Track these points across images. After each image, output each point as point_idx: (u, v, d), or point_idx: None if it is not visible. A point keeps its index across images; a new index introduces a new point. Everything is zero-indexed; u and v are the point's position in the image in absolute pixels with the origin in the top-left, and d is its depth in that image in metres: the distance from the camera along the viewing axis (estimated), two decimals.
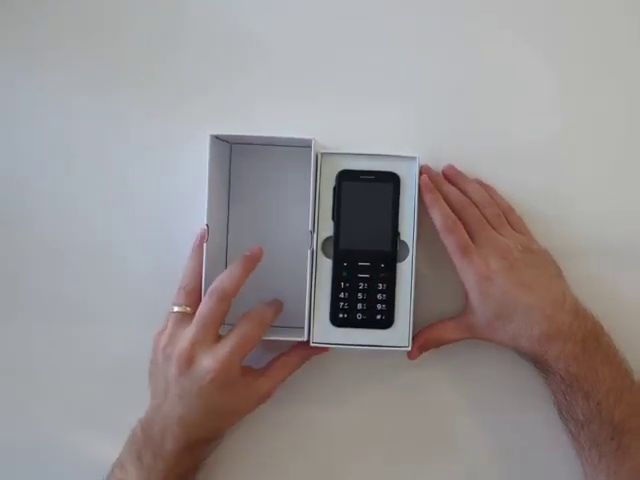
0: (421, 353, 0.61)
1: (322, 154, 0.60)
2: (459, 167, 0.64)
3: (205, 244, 0.60)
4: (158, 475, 0.56)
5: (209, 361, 0.55)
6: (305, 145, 0.60)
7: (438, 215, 0.59)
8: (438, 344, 0.62)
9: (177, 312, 0.58)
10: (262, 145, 0.66)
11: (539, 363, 0.59)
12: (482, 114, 0.66)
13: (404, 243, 0.60)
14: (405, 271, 0.60)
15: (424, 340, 0.61)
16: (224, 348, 0.55)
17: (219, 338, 0.57)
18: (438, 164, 0.63)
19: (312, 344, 0.60)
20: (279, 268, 0.66)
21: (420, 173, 0.60)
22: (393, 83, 0.66)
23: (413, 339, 0.60)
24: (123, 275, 0.67)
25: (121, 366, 0.66)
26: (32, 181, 0.68)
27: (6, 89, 0.68)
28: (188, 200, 0.66)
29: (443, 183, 0.62)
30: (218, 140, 0.62)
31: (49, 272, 0.67)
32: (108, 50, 0.67)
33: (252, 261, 0.59)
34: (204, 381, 0.55)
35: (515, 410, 0.65)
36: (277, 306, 0.61)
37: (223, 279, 0.57)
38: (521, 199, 0.63)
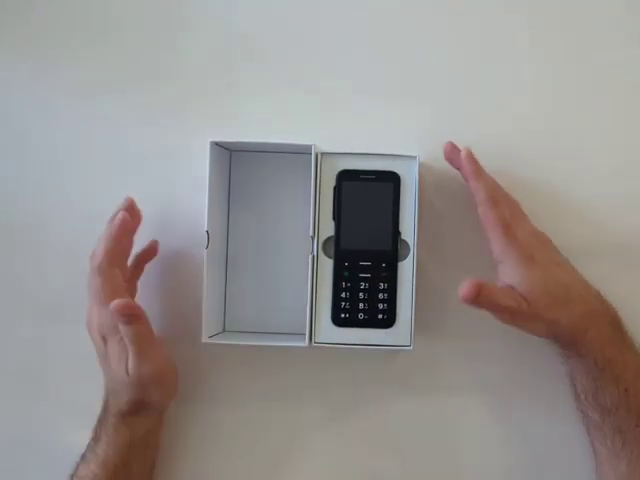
0: (475, 294, 0.53)
1: (322, 154, 0.60)
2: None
3: (206, 250, 0.60)
4: (102, 447, 0.59)
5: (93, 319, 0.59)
6: (305, 151, 0.60)
7: (482, 187, 0.57)
8: (488, 299, 0.54)
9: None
10: (262, 152, 0.66)
11: (574, 346, 0.57)
12: (482, 114, 0.66)
13: (405, 242, 0.60)
14: (406, 270, 0.60)
15: (479, 288, 0.53)
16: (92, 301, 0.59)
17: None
18: (438, 164, 0.63)
19: (314, 344, 0.60)
20: (280, 273, 0.66)
21: (445, 150, 0.59)
22: (393, 83, 0.66)
23: (470, 282, 0.53)
24: None
25: None
26: (32, 186, 0.68)
27: (4, 94, 0.68)
28: (188, 207, 0.66)
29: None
30: (218, 147, 0.62)
31: (49, 275, 0.67)
32: (107, 57, 0.68)
33: (117, 227, 0.59)
34: (96, 337, 0.59)
35: (524, 405, 0.64)
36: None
37: (93, 253, 0.59)
38: (521, 198, 0.63)
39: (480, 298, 0.53)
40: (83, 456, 0.60)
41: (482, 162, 0.64)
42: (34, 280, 0.67)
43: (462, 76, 0.66)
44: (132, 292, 0.63)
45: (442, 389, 0.65)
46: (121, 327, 0.56)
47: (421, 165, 0.61)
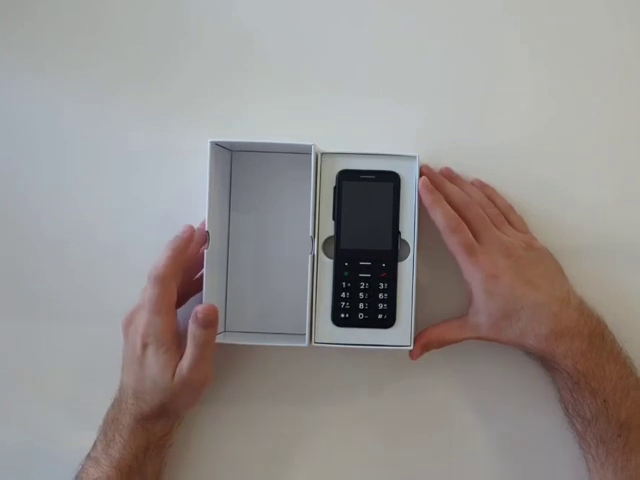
0: (423, 353, 0.61)
1: (322, 154, 0.60)
2: (459, 166, 0.64)
3: (206, 250, 0.60)
4: (119, 448, 0.58)
5: (140, 326, 0.58)
6: (305, 151, 0.60)
7: (440, 215, 0.58)
8: (441, 345, 0.61)
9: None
10: (262, 152, 0.66)
11: (546, 361, 0.59)
12: (482, 113, 0.66)
13: (405, 242, 0.60)
14: (406, 270, 0.60)
15: (427, 340, 0.61)
16: (145, 314, 0.57)
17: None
18: (438, 164, 0.63)
19: (314, 344, 0.60)
20: (280, 273, 0.66)
21: (420, 174, 0.60)
22: (393, 83, 0.66)
23: (415, 339, 0.60)
24: (124, 279, 0.67)
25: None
26: (33, 186, 0.68)
27: (5, 94, 0.68)
28: (189, 207, 0.66)
29: (444, 182, 0.61)
30: (218, 147, 0.62)
31: (50, 275, 0.67)
32: (108, 57, 0.68)
33: (182, 241, 0.59)
34: (138, 345, 0.57)
35: (518, 409, 0.65)
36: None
37: (155, 264, 0.58)
38: (522, 198, 0.63)
39: (430, 348, 0.61)
40: (94, 458, 0.59)
41: (482, 161, 0.65)
42: (34, 280, 0.67)
43: (462, 76, 0.66)
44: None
45: (442, 389, 0.65)
46: (195, 330, 0.56)
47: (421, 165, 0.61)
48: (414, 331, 0.60)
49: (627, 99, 0.66)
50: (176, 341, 0.57)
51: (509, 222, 0.62)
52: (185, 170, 0.66)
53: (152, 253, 0.66)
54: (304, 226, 0.60)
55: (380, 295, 0.60)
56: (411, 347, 0.60)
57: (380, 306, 0.60)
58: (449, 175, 0.63)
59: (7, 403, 0.67)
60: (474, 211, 0.59)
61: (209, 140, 0.60)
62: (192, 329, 0.56)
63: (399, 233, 0.60)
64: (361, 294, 0.60)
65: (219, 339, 0.62)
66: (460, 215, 0.59)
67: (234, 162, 0.66)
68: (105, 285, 0.67)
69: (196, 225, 0.60)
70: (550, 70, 0.66)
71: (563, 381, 0.58)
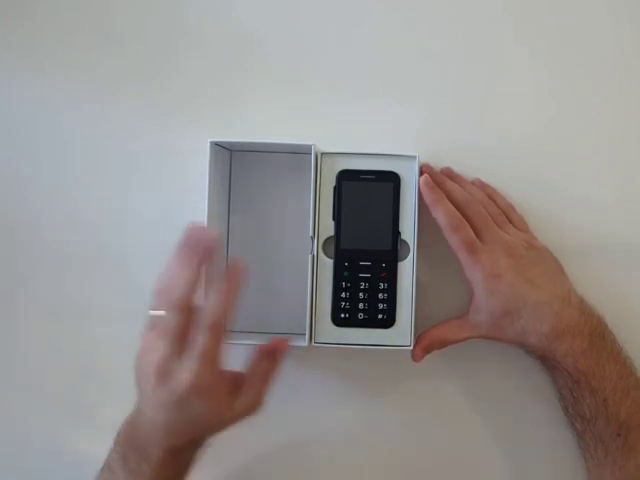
0: (425, 354, 0.61)
1: (322, 154, 0.60)
2: (459, 166, 0.64)
3: None
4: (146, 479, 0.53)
5: (184, 375, 0.51)
6: (305, 151, 0.60)
7: (442, 213, 0.58)
8: (443, 345, 0.61)
9: (153, 316, 0.54)
10: (262, 152, 0.66)
11: (547, 360, 0.59)
12: (482, 113, 0.66)
13: (405, 242, 0.60)
14: (406, 270, 0.60)
15: (428, 341, 0.61)
16: (192, 363, 0.51)
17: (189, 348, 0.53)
18: (438, 164, 0.63)
19: (314, 344, 0.60)
20: (280, 273, 0.66)
21: (420, 172, 0.60)
22: (393, 83, 0.66)
23: (417, 340, 0.60)
24: (123, 279, 0.67)
25: (121, 365, 0.66)
26: (33, 186, 0.68)
27: (4, 94, 0.68)
28: (188, 207, 0.66)
29: (446, 181, 0.61)
30: (218, 147, 0.62)
31: (50, 276, 0.67)
32: (108, 57, 0.68)
33: (186, 248, 0.54)
34: (182, 393, 0.51)
35: (518, 409, 0.65)
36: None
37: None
38: (522, 198, 0.63)
39: (433, 349, 0.61)
40: None
41: (482, 161, 0.65)
42: (34, 280, 0.67)
43: (462, 76, 0.66)
44: None
45: (442, 389, 0.65)
46: (265, 365, 0.55)
47: (421, 165, 0.62)
48: (414, 331, 0.60)
49: (627, 99, 0.66)
50: (226, 387, 0.54)
51: (510, 221, 0.62)
52: (185, 170, 0.66)
53: (151, 253, 0.66)
54: (304, 226, 0.60)
55: (380, 295, 0.60)
56: (411, 347, 0.60)
57: (380, 306, 0.59)
58: (449, 175, 0.63)
59: (7, 403, 0.67)
60: (475, 210, 0.59)
61: (209, 140, 0.60)
62: (265, 366, 0.56)
63: (399, 233, 0.60)
64: (361, 294, 0.60)
65: None
66: (461, 213, 0.59)
67: (234, 162, 0.66)
68: (105, 285, 0.67)
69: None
70: (550, 70, 0.66)
71: (563, 380, 0.58)
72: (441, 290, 0.64)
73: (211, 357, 0.52)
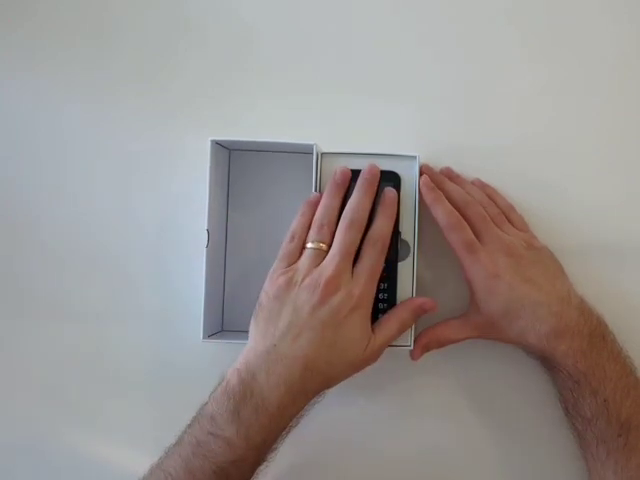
0: (424, 353, 0.61)
1: (322, 154, 0.60)
2: (459, 166, 0.64)
3: (206, 249, 0.60)
4: (260, 430, 0.52)
5: (354, 288, 0.54)
6: (306, 151, 0.60)
7: (441, 213, 0.58)
8: (441, 344, 0.61)
9: (313, 248, 0.56)
10: (260, 151, 0.66)
11: (546, 360, 0.59)
12: (482, 113, 0.66)
13: (405, 242, 0.60)
14: (406, 270, 0.60)
15: (427, 340, 0.61)
16: (361, 278, 0.55)
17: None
18: (438, 164, 0.64)
19: None
20: None
21: (420, 173, 0.60)
22: (393, 83, 0.66)
23: (416, 339, 0.60)
24: (124, 278, 0.67)
25: (119, 364, 0.66)
26: (33, 186, 0.68)
27: (4, 94, 0.68)
28: (188, 207, 0.66)
29: (445, 181, 0.61)
30: (218, 146, 0.62)
31: (51, 275, 0.67)
32: (108, 57, 0.68)
33: (370, 183, 0.57)
34: (347, 307, 0.53)
35: (518, 409, 0.65)
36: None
37: (353, 210, 0.56)
38: (522, 198, 0.64)
39: (431, 348, 0.61)
40: (223, 438, 0.51)
41: (482, 161, 0.65)
42: (34, 280, 0.67)
43: (462, 76, 0.66)
44: None
45: (442, 389, 0.65)
46: (407, 316, 0.58)
47: (421, 165, 0.61)
48: (414, 331, 0.60)
49: (627, 99, 0.66)
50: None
51: (510, 221, 0.62)
52: (184, 170, 0.66)
53: (151, 252, 0.67)
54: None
55: (380, 295, 0.59)
56: (411, 347, 0.60)
57: (380, 306, 0.59)
58: (449, 175, 0.63)
59: (7, 403, 0.67)
60: (475, 210, 0.60)
61: (210, 139, 0.60)
62: (404, 314, 0.57)
63: (399, 233, 0.60)
64: None
65: (217, 338, 0.62)
66: (461, 214, 0.59)
67: (232, 161, 0.66)
68: (105, 284, 0.67)
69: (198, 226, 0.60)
70: (550, 70, 0.66)
71: (563, 380, 0.58)
72: (441, 290, 0.64)
73: (376, 275, 0.56)
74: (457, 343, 0.61)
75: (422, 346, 0.61)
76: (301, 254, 0.57)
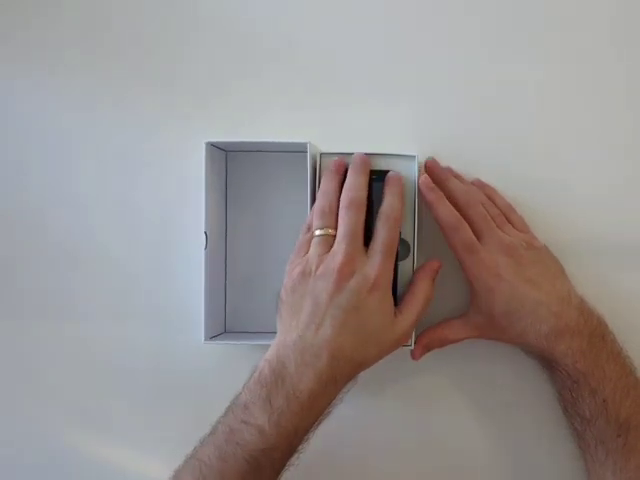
0: (424, 353, 0.61)
1: (321, 154, 0.60)
2: (459, 166, 0.64)
3: (205, 251, 0.60)
4: (291, 418, 0.51)
5: (370, 269, 0.53)
6: (301, 150, 0.60)
7: (441, 214, 0.58)
8: (442, 344, 0.61)
9: (320, 235, 0.56)
10: (258, 152, 0.66)
11: (546, 360, 0.59)
12: (482, 113, 0.66)
13: (405, 242, 0.60)
14: (406, 270, 0.60)
15: (428, 340, 0.61)
16: (377, 257, 0.54)
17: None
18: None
19: None
20: (279, 273, 0.64)
21: (425, 166, 0.60)
22: (392, 83, 0.66)
23: (416, 338, 0.60)
24: (125, 279, 0.67)
25: (121, 366, 0.66)
26: (33, 186, 0.68)
27: (6, 95, 0.68)
28: (186, 207, 0.66)
29: (450, 178, 0.61)
30: (214, 147, 0.62)
31: (51, 277, 0.67)
32: (107, 57, 0.67)
33: (362, 164, 0.57)
34: (364, 290, 0.53)
35: (517, 408, 0.65)
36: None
37: (349, 189, 0.56)
38: (522, 197, 0.64)
39: (432, 348, 0.61)
40: (255, 425, 0.51)
41: (482, 161, 0.65)
42: (34, 280, 0.68)
43: (462, 76, 0.66)
44: None
45: (442, 389, 0.65)
46: (428, 287, 0.58)
47: (420, 165, 0.61)
48: (415, 330, 0.59)
49: (628, 99, 0.66)
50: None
51: (510, 222, 0.62)
52: (182, 171, 0.66)
53: (152, 254, 0.67)
54: (302, 224, 0.60)
55: None
56: (412, 346, 0.60)
57: None
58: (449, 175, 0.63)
59: (7, 403, 0.68)
60: (476, 210, 0.59)
61: (204, 141, 0.60)
62: (425, 285, 0.58)
63: (399, 233, 0.60)
64: None
65: (219, 340, 0.62)
66: (462, 213, 0.59)
67: (229, 162, 0.66)
68: (104, 284, 0.67)
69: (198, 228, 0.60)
70: (550, 70, 0.66)
71: (562, 380, 0.58)
72: (441, 290, 0.63)
73: (392, 251, 0.55)
74: (457, 343, 0.61)
75: (423, 346, 0.61)
76: None
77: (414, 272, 0.59)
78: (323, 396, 0.53)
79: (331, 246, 0.55)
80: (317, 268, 0.54)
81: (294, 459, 0.55)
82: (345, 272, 0.53)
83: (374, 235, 0.55)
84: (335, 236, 0.55)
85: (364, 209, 0.56)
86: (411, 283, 0.59)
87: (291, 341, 0.53)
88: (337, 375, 0.53)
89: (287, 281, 0.56)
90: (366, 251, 0.55)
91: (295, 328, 0.54)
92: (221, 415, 0.54)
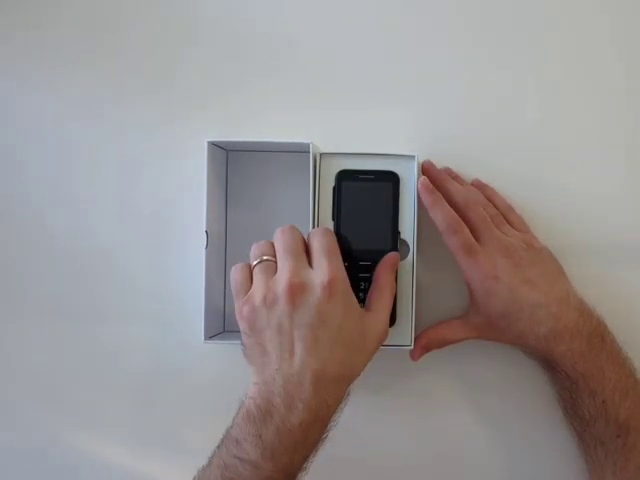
0: (424, 353, 0.61)
1: (321, 154, 0.60)
2: (458, 166, 0.64)
3: (205, 250, 0.60)
4: (285, 452, 0.49)
5: (320, 276, 0.51)
6: (302, 150, 0.60)
7: (440, 216, 0.58)
8: (441, 344, 0.61)
9: (259, 262, 0.54)
10: (259, 151, 0.66)
11: (545, 361, 0.59)
12: (482, 113, 0.66)
13: (405, 242, 0.60)
14: (406, 270, 0.60)
15: (427, 340, 0.61)
16: (322, 262, 0.52)
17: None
18: (437, 164, 0.63)
19: None
20: None
21: (422, 168, 0.60)
22: (392, 83, 0.66)
23: (416, 339, 0.60)
24: (124, 279, 0.67)
25: (122, 366, 0.66)
26: (34, 186, 0.68)
27: (7, 95, 0.68)
28: (187, 207, 0.66)
29: (448, 180, 0.61)
30: (215, 147, 0.62)
31: (51, 276, 0.67)
32: (107, 57, 0.67)
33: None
34: (323, 299, 0.50)
35: (517, 409, 0.65)
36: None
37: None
38: (522, 197, 0.64)
39: (431, 348, 0.61)
40: (250, 462, 0.50)
41: (481, 162, 0.64)
42: (34, 280, 0.68)
43: (461, 76, 0.66)
44: None
45: (442, 389, 0.65)
46: (390, 281, 0.57)
47: (420, 165, 0.61)
48: (414, 331, 0.60)
49: (628, 99, 0.65)
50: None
51: (509, 222, 0.62)
52: (183, 170, 0.66)
53: (152, 253, 0.67)
54: (303, 226, 0.60)
55: None
56: (411, 347, 0.60)
57: None
58: (449, 175, 0.63)
59: (7, 403, 0.68)
60: (475, 211, 0.59)
61: (206, 140, 0.60)
62: (387, 278, 0.57)
63: (399, 233, 0.60)
64: (361, 294, 0.59)
65: (218, 339, 0.62)
66: (461, 215, 0.59)
67: (230, 162, 0.66)
68: (104, 284, 0.67)
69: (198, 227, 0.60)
70: (550, 69, 0.66)
71: (562, 381, 0.58)
72: (441, 290, 0.64)
73: (334, 252, 0.53)
74: (457, 343, 0.61)
75: (422, 346, 0.61)
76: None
77: (376, 271, 0.58)
78: (316, 424, 0.51)
79: (274, 271, 0.53)
80: (265, 298, 0.52)
81: None
82: (296, 288, 0.51)
83: (310, 248, 0.54)
84: (275, 261, 0.53)
85: (299, 229, 0.55)
86: (373, 279, 0.57)
87: (270, 377, 0.51)
88: (327, 398, 0.51)
89: (241, 324, 0.53)
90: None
91: (268, 365, 0.51)
92: (216, 446, 0.52)
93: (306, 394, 0.50)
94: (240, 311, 0.53)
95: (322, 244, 0.53)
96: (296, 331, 0.50)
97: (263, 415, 0.50)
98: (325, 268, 0.52)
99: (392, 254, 0.58)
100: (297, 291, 0.51)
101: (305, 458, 0.52)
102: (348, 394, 0.54)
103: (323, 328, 0.51)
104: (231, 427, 0.52)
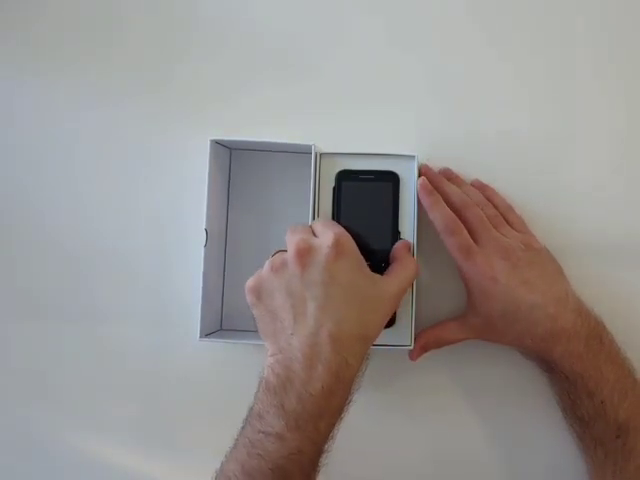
0: (422, 353, 0.61)
1: (321, 154, 0.60)
2: (458, 167, 0.64)
3: (204, 248, 0.60)
4: (310, 419, 0.48)
5: (325, 239, 0.52)
6: (305, 151, 0.60)
7: (439, 217, 0.58)
8: (440, 344, 0.61)
9: (270, 258, 0.54)
10: (261, 151, 0.66)
11: (543, 362, 0.59)
12: (481, 113, 0.66)
13: None
14: None
15: (426, 340, 0.61)
16: (324, 229, 0.53)
17: None
18: (437, 164, 0.63)
19: None
20: None
21: (419, 172, 0.60)
22: (392, 83, 0.66)
23: (415, 339, 0.60)
24: (123, 277, 0.67)
25: (123, 365, 0.66)
26: (35, 186, 0.68)
27: (8, 96, 0.69)
28: (187, 206, 0.66)
29: (444, 182, 0.61)
30: (218, 145, 0.62)
31: (50, 275, 0.68)
32: (108, 59, 0.68)
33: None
34: (330, 259, 0.50)
35: (517, 410, 0.65)
36: None
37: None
38: (521, 198, 0.64)
39: (430, 348, 0.61)
40: (276, 434, 0.48)
41: (481, 162, 0.65)
42: (33, 280, 0.68)
43: (461, 76, 0.66)
44: None
45: (442, 389, 0.65)
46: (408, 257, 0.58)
47: (420, 165, 0.61)
48: (414, 331, 0.60)
49: (629, 99, 0.66)
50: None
51: (508, 222, 0.62)
52: (184, 169, 0.67)
53: (151, 252, 0.67)
54: None
55: None
56: (411, 347, 0.60)
57: None
58: (448, 175, 0.63)
59: (6, 403, 0.68)
60: (473, 212, 0.59)
61: (209, 138, 0.60)
62: (405, 252, 0.58)
63: (399, 233, 0.60)
64: None
65: (215, 337, 0.63)
66: (459, 216, 0.59)
67: (233, 160, 0.66)
68: (104, 284, 0.67)
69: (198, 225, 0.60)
70: (550, 69, 0.66)
71: (560, 382, 0.58)
72: (440, 289, 0.64)
73: (331, 221, 0.57)
74: (455, 344, 0.61)
75: (420, 347, 0.61)
76: None
77: (391, 252, 0.59)
78: (338, 387, 0.49)
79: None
80: (272, 265, 0.52)
81: (324, 459, 0.52)
82: (303, 250, 0.51)
83: (314, 232, 0.55)
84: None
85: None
86: (390, 257, 0.58)
87: (285, 343, 0.50)
88: (346, 357, 0.49)
89: (248, 298, 0.53)
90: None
91: (282, 331, 0.51)
92: (240, 427, 0.51)
93: (325, 354, 0.48)
94: (246, 286, 0.54)
95: (323, 222, 0.56)
96: (308, 291, 0.50)
97: (283, 383, 0.49)
98: (329, 232, 0.52)
99: (404, 240, 0.59)
100: (305, 253, 0.51)
101: (331, 425, 0.50)
102: (368, 357, 0.53)
103: (334, 285, 0.50)
104: (253, 403, 0.51)
